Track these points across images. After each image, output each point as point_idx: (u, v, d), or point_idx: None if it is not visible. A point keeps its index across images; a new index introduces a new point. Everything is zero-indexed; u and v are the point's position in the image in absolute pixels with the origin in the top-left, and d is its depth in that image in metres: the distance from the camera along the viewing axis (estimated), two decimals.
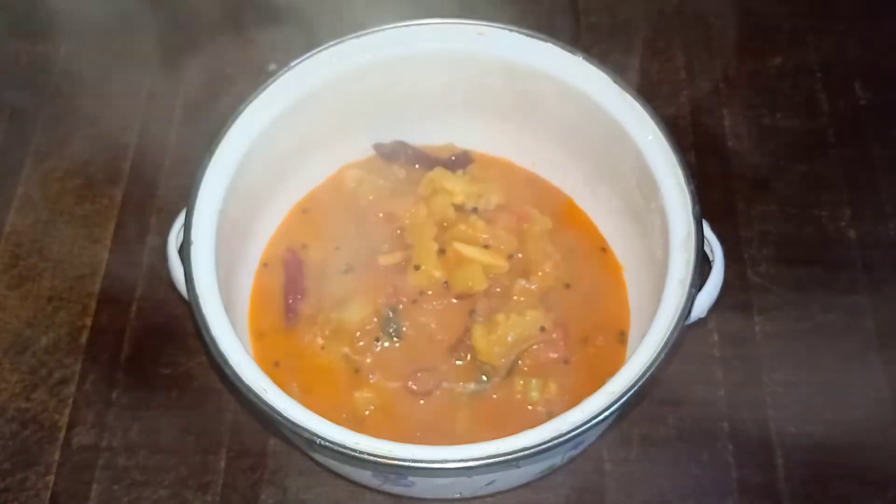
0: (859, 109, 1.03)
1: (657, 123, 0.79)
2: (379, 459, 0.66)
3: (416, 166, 0.90)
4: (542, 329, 0.80)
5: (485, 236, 0.84)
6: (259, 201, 0.85)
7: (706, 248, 0.76)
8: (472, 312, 0.81)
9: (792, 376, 0.87)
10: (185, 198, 0.76)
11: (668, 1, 1.11)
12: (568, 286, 0.84)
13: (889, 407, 0.86)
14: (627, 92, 0.80)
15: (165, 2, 1.06)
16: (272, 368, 0.80)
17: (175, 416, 0.86)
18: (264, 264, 0.87)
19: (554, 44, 0.83)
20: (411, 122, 0.90)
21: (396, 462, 0.66)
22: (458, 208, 0.85)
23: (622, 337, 0.82)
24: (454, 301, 0.82)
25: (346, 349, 0.81)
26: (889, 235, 0.95)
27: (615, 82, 0.81)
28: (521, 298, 0.81)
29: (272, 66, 0.99)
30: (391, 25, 0.84)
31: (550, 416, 0.69)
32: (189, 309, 0.72)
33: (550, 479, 0.82)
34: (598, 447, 0.84)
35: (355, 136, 0.90)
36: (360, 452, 0.66)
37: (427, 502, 0.82)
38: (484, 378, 0.79)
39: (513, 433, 0.67)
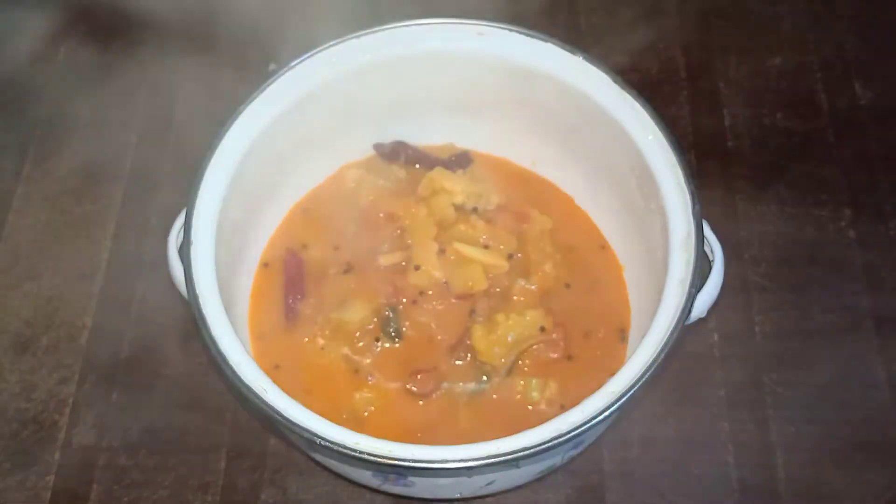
0: (859, 109, 1.03)
1: (657, 123, 0.79)
2: (379, 459, 0.66)
3: (416, 166, 0.90)
4: (543, 329, 0.80)
5: (485, 236, 0.84)
6: (259, 201, 0.85)
7: (706, 248, 0.75)
8: (472, 312, 0.81)
9: (792, 376, 0.87)
10: (185, 198, 0.76)
11: (669, 1, 1.11)
12: (568, 286, 0.84)
13: (889, 407, 0.86)
14: (627, 92, 0.80)
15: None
16: (272, 369, 0.80)
17: (175, 416, 0.86)
18: (264, 264, 0.87)
19: (554, 44, 0.83)
20: (411, 122, 0.90)
21: (396, 462, 0.66)
22: (458, 208, 0.85)
23: (622, 336, 0.82)
24: (454, 301, 0.82)
25: (346, 349, 0.81)
26: (889, 235, 0.95)
27: (615, 82, 0.81)
28: (521, 298, 0.81)
29: (272, 66, 0.99)
30: (391, 25, 0.84)
31: (550, 416, 0.69)
32: (189, 309, 0.72)
33: (550, 479, 0.82)
34: (598, 447, 0.84)
35: (355, 136, 0.89)
36: (360, 452, 0.66)
37: (427, 502, 0.82)
38: (484, 378, 0.79)
39: (513, 433, 0.67)
